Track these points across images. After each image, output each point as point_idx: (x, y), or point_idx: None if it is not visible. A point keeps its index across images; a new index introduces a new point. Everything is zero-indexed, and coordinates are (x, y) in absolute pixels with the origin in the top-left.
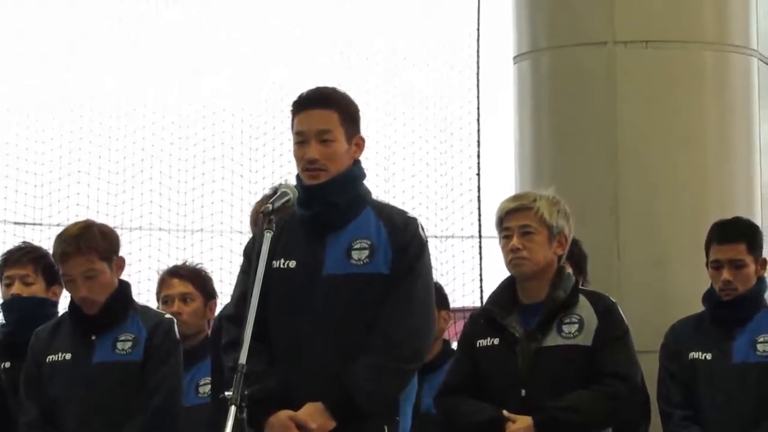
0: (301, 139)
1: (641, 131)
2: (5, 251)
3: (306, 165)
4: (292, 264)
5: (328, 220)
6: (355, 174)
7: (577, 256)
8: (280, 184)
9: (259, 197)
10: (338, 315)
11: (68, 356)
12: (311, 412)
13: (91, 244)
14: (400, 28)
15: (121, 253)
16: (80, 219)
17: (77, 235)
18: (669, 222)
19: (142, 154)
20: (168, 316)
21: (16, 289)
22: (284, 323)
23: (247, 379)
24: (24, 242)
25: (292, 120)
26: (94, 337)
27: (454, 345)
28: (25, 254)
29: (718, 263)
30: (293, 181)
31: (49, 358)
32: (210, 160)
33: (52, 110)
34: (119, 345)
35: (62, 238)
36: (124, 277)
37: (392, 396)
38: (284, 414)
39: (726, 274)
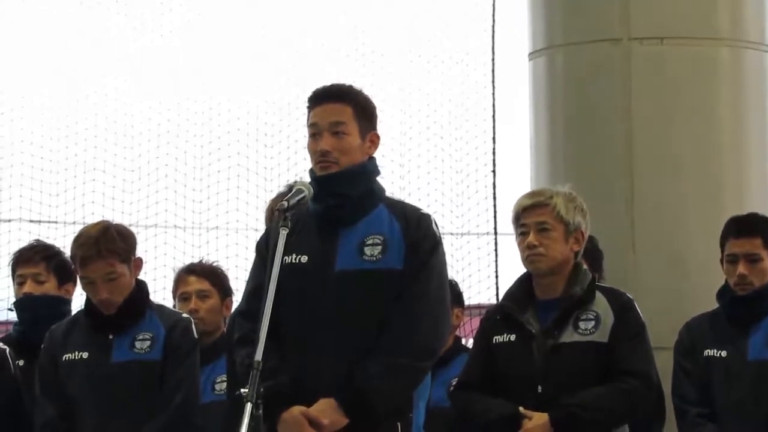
0: (314, 132)
1: (656, 127)
2: (17, 250)
3: (318, 157)
4: (304, 259)
5: (339, 214)
6: (367, 168)
7: (591, 253)
8: (296, 182)
9: (274, 194)
10: (350, 311)
11: (85, 355)
12: (324, 408)
13: (111, 247)
14: (416, 26)
15: (137, 253)
16: (95, 217)
17: (97, 238)
18: (684, 218)
19: (157, 151)
20: (185, 315)
21: (29, 287)
22: (296, 318)
23: (260, 375)
24: (36, 240)
25: (308, 115)
26: (111, 336)
27: (465, 342)
28: (37, 253)
29: (734, 257)
30: (308, 178)
31: (65, 356)
32: (225, 158)
33: (66, 108)
34: (137, 344)
35: (81, 241)
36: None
37: (405, 394)
38: (297, 410)
39: (741, 268)
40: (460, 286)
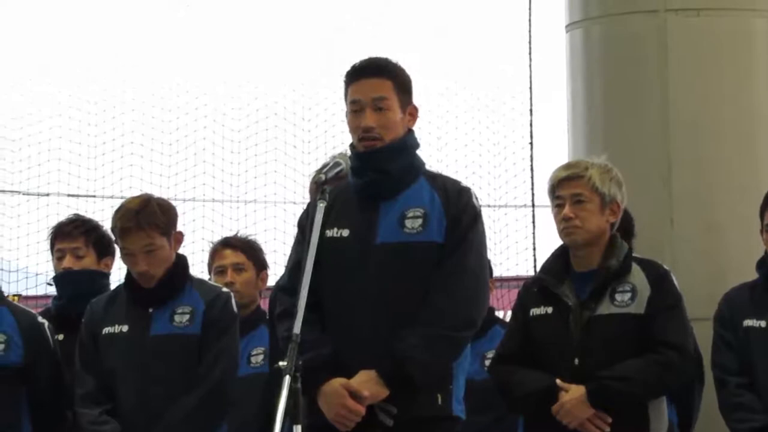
0: (356, 108)
1: (693, 99)
2: (56, 224)
3: (362, 134)
4: (345, 233)
5: (381, 189)
6: (409, 143)
7: (622, 221)
8: (340, 154)
9: (312, 167)
10: (390, 283)
11: (125, 328)
12: (364, 380)
13: (151, 219)
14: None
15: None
16: (134, 191)
17: (137, 210)
18: (722, 189)
19: (195, 125)
20: (225, 289)
21: (68, 262)
22: (337, 292)
23: (300, 348)
24: (75, 215)
25: (346, 89)
26: (151, 310)
27: (500, 314)
28: (76, 227)
29: None
30: (349, 152)
31: (105, 329)
32: (263, 131)
33: (105, 83)
34: (176, 318)
35: (121, 213)
36: None
37: (444, 364)
38: (337, 382)
39: None
40: (498, 258)
